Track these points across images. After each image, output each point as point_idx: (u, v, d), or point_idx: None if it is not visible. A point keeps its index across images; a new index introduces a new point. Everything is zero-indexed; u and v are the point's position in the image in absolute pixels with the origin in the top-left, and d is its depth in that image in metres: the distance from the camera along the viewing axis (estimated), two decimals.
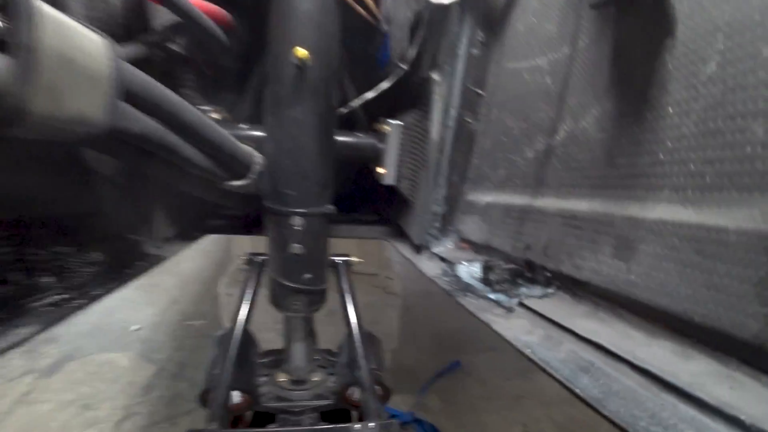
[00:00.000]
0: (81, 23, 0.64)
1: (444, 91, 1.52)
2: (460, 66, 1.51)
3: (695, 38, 0.77)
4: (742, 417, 0.58)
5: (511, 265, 1.26)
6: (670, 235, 0.78)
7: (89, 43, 0.63)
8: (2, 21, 0.51)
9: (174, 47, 1.27)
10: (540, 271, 1.15)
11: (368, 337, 1.65)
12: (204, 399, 1.45)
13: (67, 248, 1.02)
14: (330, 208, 1.48)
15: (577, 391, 0.73)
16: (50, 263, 0.97)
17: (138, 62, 0.92)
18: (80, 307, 0.98)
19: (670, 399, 0.67)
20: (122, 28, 1.13)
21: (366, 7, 1.42)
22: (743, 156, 0.67)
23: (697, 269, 0.73)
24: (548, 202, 1.16)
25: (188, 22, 1.14)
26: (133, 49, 1.13)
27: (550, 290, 1.11)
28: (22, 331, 0.83)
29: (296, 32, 1.24)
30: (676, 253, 0.77)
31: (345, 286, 1.74)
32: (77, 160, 1.02)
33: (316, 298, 1.53)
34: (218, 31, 1.25)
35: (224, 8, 1.30)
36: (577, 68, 1.08)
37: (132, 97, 0.76)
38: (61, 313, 0.94)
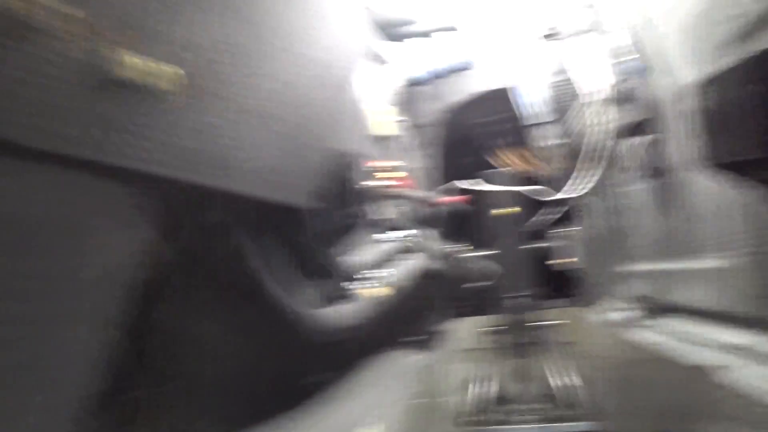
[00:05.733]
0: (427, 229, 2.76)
1: (594, 208, 2.76)
2: (599, 193, 2.62)
3: None
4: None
5: (647, 304, 2.08)
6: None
7: (431, 236, 2.89)
8: None
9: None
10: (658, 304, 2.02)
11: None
12: None
13: None
14: (534, 290, 3.04)
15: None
16: None
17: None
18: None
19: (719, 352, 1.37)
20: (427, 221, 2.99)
21: (535, 172, 3.14)
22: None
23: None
24: (657, 266, 2.04)
25: (445, 209, 3.09)
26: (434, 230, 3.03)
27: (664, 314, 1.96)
28: None
29: (500, 200, 3.10)
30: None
31: (552, 341, 2.97)
32: None
33: (532, 348, 2.96)
34: (461, 208, 3.12)
35: (462, 195, 3.13)
36: (651, 196, 2.08)
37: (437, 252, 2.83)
38: None
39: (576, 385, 2.60)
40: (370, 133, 2.52)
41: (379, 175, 2.40)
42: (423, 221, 2.78)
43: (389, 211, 2.48)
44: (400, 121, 2.92)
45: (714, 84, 1.09)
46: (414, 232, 2.40)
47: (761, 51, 0.94)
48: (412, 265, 2.20)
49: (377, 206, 2.36)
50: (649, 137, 1.93)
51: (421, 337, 2.59)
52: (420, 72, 3.09)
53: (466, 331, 3.68)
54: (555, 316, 3.03)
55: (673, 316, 1.85)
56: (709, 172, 1.20)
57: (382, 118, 2.65)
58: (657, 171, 1.90)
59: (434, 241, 2.64)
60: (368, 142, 2.49)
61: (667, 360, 1.49)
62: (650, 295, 2.06)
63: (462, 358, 3.11)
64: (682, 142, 1.67)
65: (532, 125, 2.95)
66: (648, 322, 1.95)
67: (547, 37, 2.80)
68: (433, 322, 2.84)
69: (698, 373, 1.27)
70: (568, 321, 2.97)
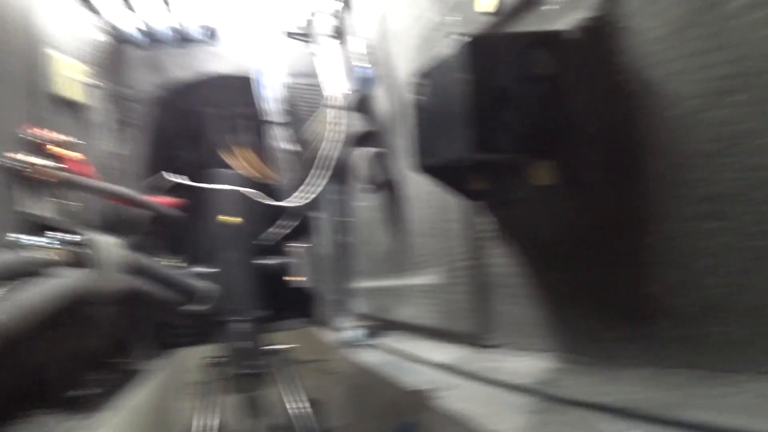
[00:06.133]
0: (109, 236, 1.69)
1: (326, 222, 2.50)
2: (331, 207, 2.45)
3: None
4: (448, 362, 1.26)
5: (375, 323, 1.98)
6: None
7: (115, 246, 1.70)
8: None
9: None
10: (385, 322, 1.93)
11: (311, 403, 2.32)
12: None
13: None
14: (263, 312, 2.55)
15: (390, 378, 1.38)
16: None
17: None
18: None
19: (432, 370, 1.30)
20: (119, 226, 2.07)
21: (267, 177, 2.70)
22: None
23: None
24: (384, 283, 1.90)
25: (152, 212, 2.17)
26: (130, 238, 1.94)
27: (390, 332, 1.89)
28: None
29: (225, 206, 2.52)
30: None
31: (284, 367, 2.51)
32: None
33: (262, 378, 2.40)
34: (173, 212, 2.29)
35: (178, 197, 2.36)
36: (378, 212, 1.93)
37: (132, 269, 1.79)
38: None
39: (309, 411, 2.37)
40: (48, 89, 1.72)
41: (46, 149, 1.60)
42: (110, 223, 2.01)
43: (46, 204, 1.66)
44: (95, 85, 2.11)
45: (423, 90, 1.04)
46: (85, 236, 1.63)
47: (461, 46, 0.88)
48: (56, 286, 1.44)
49: (27, 194, 1.54)
50: (378, 149, 1.87)
51: (92, 390, 1.81)
52: (133, 27, 2.34)
53: (187, 364, 3.04)
54: (288, 339, 2.70)
55: (398, 333, 1.84)
56: (428, 185, 1.17)
57: (70, 74, 1.84)
58: (384, 184, 1.84)
59: (122, 252, 1.89)
60: (41, 100, 1.66)
61: (388, 382, 1.40)
62: (379, 312, 2.01)
63: (184, 396, 2.56)
64: (405, 154, 1.65)
65: (272, 125, 2.60)
66: (375, 341, 1.91)
67: (292, 35, 2.57)
68: (124, 361, 2.10)
69: (414, 395, 1.18)
70: (302, 343, 2.70)
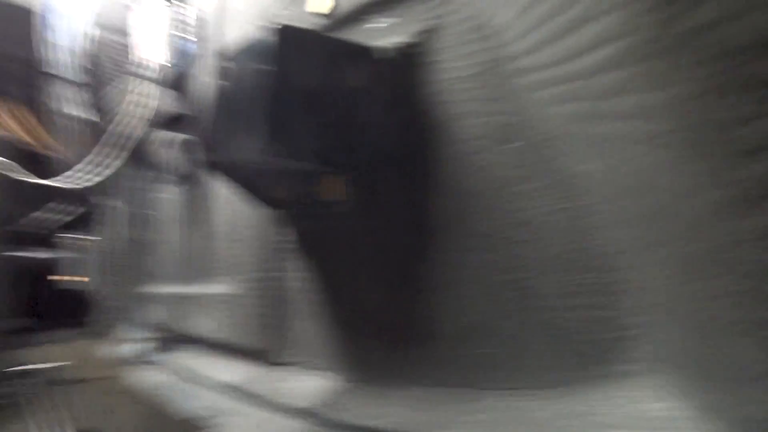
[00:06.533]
0: None
1: (120, 213, 2.09)
2: (128, 195, 2.04)
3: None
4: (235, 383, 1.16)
5: (167, 335, 1.75)
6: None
7: None
8: None
9: None
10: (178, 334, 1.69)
11: None
12: None
13: None
14: (16, 321, 2.05)
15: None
16: None
17: None
18: None
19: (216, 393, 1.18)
20: None
21: (44, 146, 2.13)
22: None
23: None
24: (180, 290, 1.71)
25: None
26: None
27: (182, 346, 1.66)
28: None
29: None
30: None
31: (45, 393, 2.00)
32: None
33: (9, 410, 1.87)
34: None
35: None
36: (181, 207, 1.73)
37: None
38: None
39: None
40: None
41: None
42: None
43: None
44: None
45: (226, 74, 0.92)
46: None
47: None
48: None
49: None
50: (188, 136, 1.65)
51: None
52: None
53: None
54: (55, 356, 2.16)
55: (187, 348, 1.64)
56: (223, 184, 1.07)
57: None
58: (190, 177, 1.63)
59: None
60: None
61: (166, 408, 1.23)
62: (168, 323, 1.77)
63: None
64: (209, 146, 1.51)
65: (55, 79, 2.04)
66: (159, 357, 1.67)
67: None
68: None
69: (188, 426, 1.04)
70: (74, 360, 2.19)
